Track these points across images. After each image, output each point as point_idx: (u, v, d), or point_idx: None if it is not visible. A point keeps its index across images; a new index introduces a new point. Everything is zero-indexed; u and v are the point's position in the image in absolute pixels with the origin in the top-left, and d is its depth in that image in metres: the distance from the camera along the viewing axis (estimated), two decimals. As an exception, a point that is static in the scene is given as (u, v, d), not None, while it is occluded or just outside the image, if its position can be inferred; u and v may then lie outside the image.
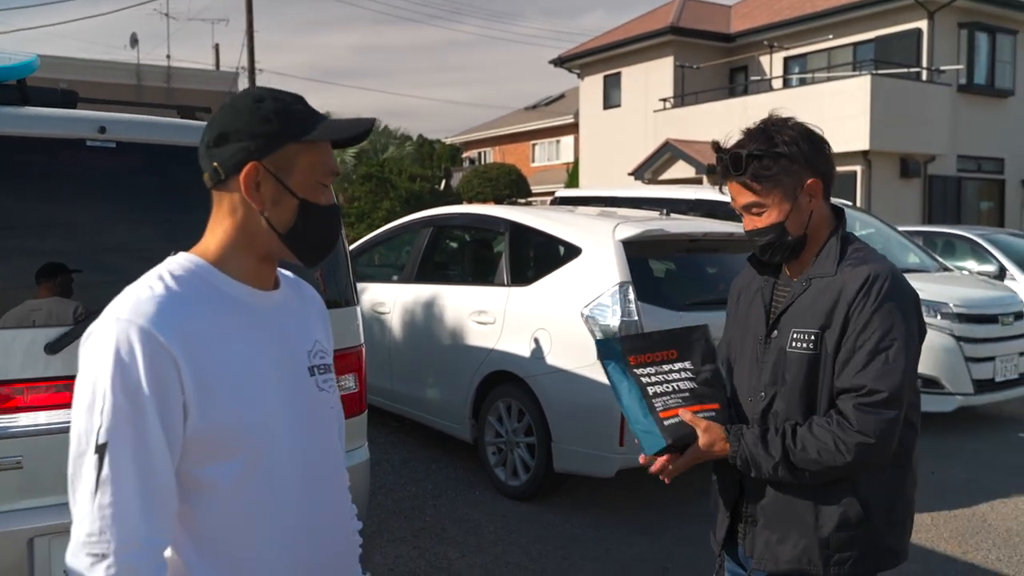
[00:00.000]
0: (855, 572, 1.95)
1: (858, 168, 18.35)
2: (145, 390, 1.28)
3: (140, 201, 3.04)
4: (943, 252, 10.74)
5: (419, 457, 6.27)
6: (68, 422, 1.32)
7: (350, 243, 6.05)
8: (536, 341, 5.20)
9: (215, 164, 1.42)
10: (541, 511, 5.16)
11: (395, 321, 6.39)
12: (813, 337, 1.93)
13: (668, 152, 20.83)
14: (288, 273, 1.61)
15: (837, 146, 3.81)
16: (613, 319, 4.81)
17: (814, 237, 2.00)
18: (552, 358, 5.08)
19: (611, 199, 9.12)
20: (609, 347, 2.04)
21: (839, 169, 2.22)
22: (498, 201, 23.73)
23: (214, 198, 1.46)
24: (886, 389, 1.84)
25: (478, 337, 5.62)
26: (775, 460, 1.90)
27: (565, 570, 4.39)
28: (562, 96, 37.97)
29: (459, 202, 24.48)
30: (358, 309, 3.53)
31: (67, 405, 1.70)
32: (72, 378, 1.35)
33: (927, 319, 4.52)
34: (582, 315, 4.95)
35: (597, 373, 4.82)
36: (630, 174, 21.76)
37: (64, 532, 1.32)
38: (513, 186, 26.82)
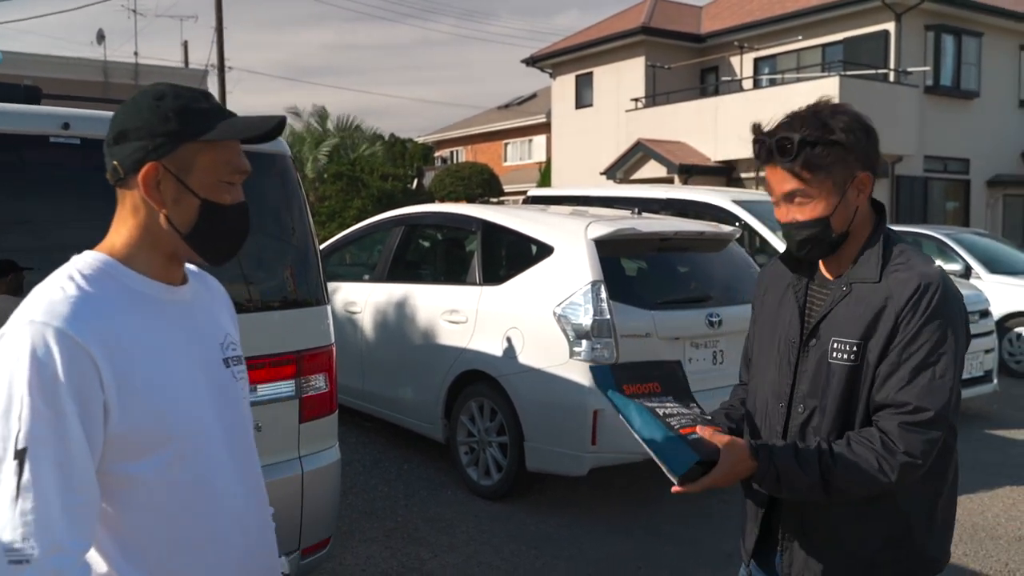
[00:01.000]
0: None
1: (827, 168, 18.48)
2: (64, 393, 1.26)
3: (104, 198, 2.99)
4: (910, 251, 10.85)
5: (391, 457, 6.23)
6: None
7: (321, 242, 6.01)
8: (508, 340, 5.19)
9: (115, 163, 1.41)
10: (514, 510, 5.15)
11: (366, 320, 6.35)
12: (855, 348, 1.78)
13: (640, 152, 20.93)
14: (192, 267, 1.59)
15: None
16: (585, 318, 4.81)
17: (855, 235, 1.85)
18: (524, 357, 5.08)
19: (583, 198, 9.13)
20: (604, 375, 1.93)
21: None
22: (470, 200, 23.70)
23: (117, 195, 1.45)
24: (932, 408, 1.70)
25: (450, 336, 5.60)
26: (811, 481, 1.74)
27: (538, 569, 4.38)
28: (534, 96, 38.00)
29: (431, 201, 24.41)
30: (328, 308, 3.50)
31: None
32: None
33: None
34: (554, 314, 4.95)
35: (569, 372, 4.83)
36: (602, 173, 21.83)
37: None
38: (485, 185, 26.82)
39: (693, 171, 19.66)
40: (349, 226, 9.33)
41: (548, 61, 26.39)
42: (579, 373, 4.80)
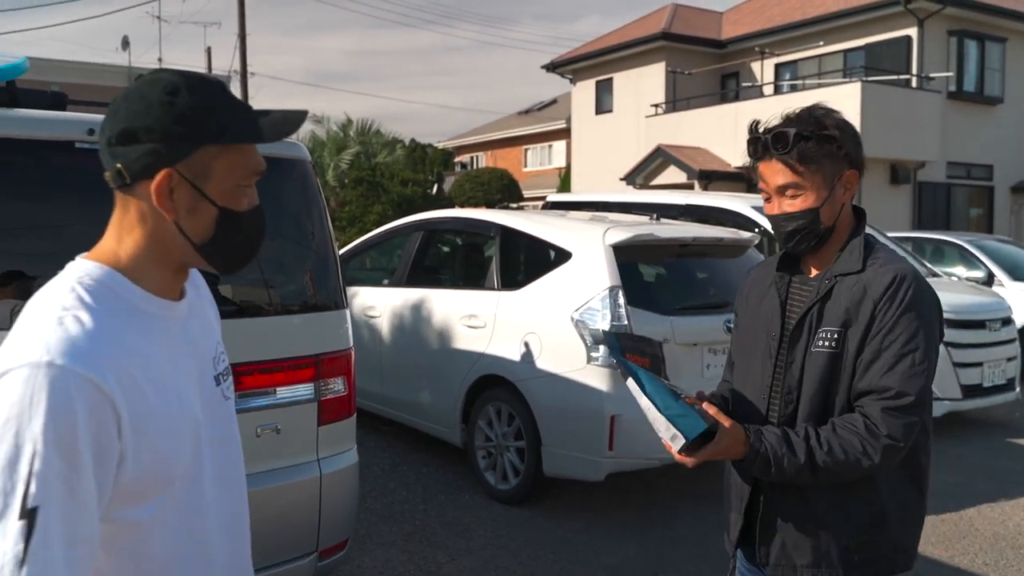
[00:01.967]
0: (874, 575, 1.93)
1: (848, 174, 18.39)
2: (83, 445, 1.10)
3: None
4: (932, 258, 10.80)
5: (409, 461, 6.26)
6: None
7: (341, 247, 6.05)
8: (526, 345, 5.20)
9: (119, 166, 1.24)
10: (531, 515, 5.16)
11: (385, 325, 6.39)
12: (836, 335, 1.89)
13: (660, 157, 20.90)
14: None
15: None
16: (603, 323, 4.82)
17: (839, 232, 1.96)
18: (542, 362, 5.09)
19: (602, 204, 9.13)
20: (613, 341, 2.04)
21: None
22: (490, 205, 23.75)
23: (118, 200, 1.28)
24: (913, 393, 1.82)
25: (468, 341, 5.62)
26: (800, 462, 1.83)
27: (555, 574, 4.39)
28: (555, 101, 38.04)
29: (451, 206, 24.49)
30: (347, 312, 3.53)
31: None
32: None
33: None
34: (572, 319, 4.96)
35: (587, 377, 4.84)
36: (622, 179, 21.82)
37: None
38: (505, 191, 26.84)
39: (713, 177, 19.61)
40: (369, 231, 9.40)
41: (568, 67, 26.43)
42: (596, 378, 4.81)
